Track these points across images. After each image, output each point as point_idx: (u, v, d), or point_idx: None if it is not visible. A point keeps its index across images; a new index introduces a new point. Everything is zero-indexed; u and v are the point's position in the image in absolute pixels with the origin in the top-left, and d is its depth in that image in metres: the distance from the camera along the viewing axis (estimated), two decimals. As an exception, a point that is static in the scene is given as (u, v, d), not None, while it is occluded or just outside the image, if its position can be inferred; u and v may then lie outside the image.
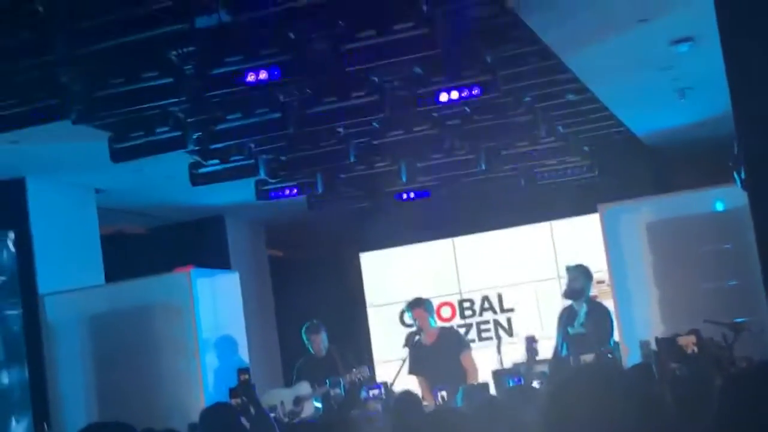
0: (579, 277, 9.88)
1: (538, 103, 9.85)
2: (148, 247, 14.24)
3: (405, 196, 12.56)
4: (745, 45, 2.28)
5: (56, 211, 11.43)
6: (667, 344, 6.01)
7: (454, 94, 9.09)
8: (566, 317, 9.96)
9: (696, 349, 5.92)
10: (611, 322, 9.85)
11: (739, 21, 2.41)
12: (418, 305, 10.26)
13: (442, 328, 10.75)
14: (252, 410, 7.43)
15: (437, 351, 9.98)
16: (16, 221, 10.96)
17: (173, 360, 11.01)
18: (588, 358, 8.17)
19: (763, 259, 2.08)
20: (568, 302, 10.14)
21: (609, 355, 9.08)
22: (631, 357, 9.17)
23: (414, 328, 10.36)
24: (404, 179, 11.25)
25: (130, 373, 10.96)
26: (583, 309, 9.73)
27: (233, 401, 7.20)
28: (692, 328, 6.21)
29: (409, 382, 9.75)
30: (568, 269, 10.04)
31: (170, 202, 13.16)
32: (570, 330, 9.66)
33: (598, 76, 9.44)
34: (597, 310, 9.87)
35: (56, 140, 9.41)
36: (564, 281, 10.33)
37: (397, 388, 9.19)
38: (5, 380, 10.59)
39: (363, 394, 8.22)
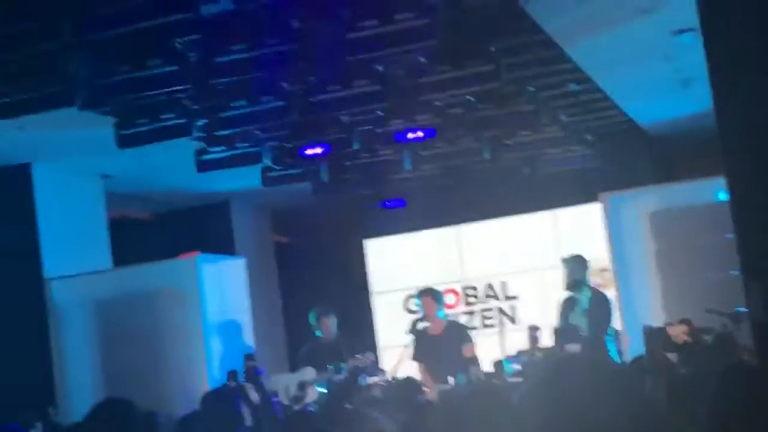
0: (576, 267, 9.94)
1: (541, 93, 9.87)
2: (154, 232, 14.30)
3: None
4: (730, 44, 2.33)
5: (63, 197, 11.50)
6: (657, 334, 6.03)
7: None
8: (567, 306, 9.98)
9: (688, 338, 5.93)
10: (610, 310, 9.90)
11: (723, 19, 2.46)
12: (428, 294, 10.27)
13: (450, 321, 10.73)
14: (255, 396, 7.49)
15: (442, 342, 9.96)
16: (22, 207, 11.03)
17: (178, 345, 11.07)
18: (574, 348, 8.12)
19: (742, 258, 2.15)
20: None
21: (600, 346, 9.09)
22: (632, 346, 9.21)
23: (419, 315, 10.39)
24: (408, 167, 11.30)
25: (136, 357, 11.01)
26: (586, 296, 9.75)
27: (231, 383, 7.26)
28: (683, 318, 6.22)
29: (411, 370, 9.79)
30: (565, 261, 10.08)
31: (176, 188, 13.22)
32: (571, 317, 9.68)
33: (600, 66, 9.46)
34: (598, 298, 9.92)
35: (62, 126, 9.46)
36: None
37: (399, 374, 9.24)
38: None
39: (361, 380, 8.27)
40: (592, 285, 10.22)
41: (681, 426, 2.57)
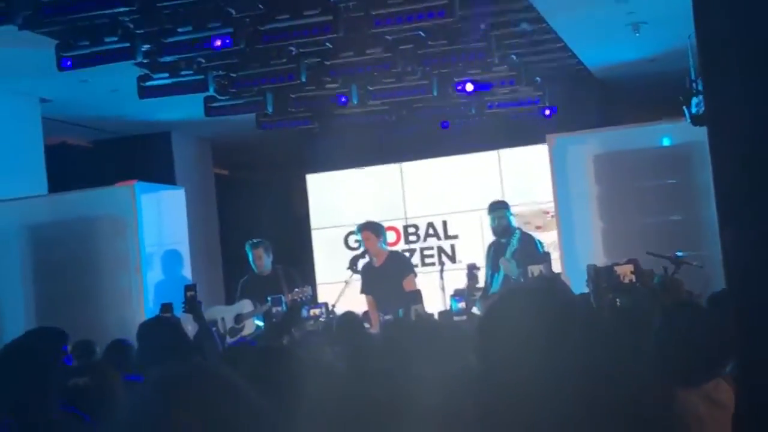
0: (503, 215, 9.85)
1: (493, 31, 9.78)
2: (93, 160, 14.07)
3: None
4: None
5: (-1, 119, 11.22)
6: (604, 273, 6.07)
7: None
8: (494, 250, 9.95)
9: (633, 278, 5.97)
10: (539, 250, 9.87)
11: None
12: (368, 228, 10.26)
13: (391, 252, 10.76)
14: (193, 326, 7.41)
15: (384, 273, 10.05)
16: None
17: (115, 274, 10.93)
18: (536, 269, 8.04)
19: (717, 192, 2.11)
20: None
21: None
22: (573, 287, 9.24)
23: (358, 251, 10.37)
24: (355, 101, 11.18)
25: (71, 285, 10.86)
26: (515, 237, 9.67)
27: (166, 315, 7.15)
28: (631, 258, 6.26)
29: (350, 304, 9.77)
30: (490, 209, 9.98)
31: (117, 115, 12.97)
32: (501, 260, 9.62)
33: (553, 7, 9.39)
34: (526, 241, 9.86)
35: (1, 46, 9.18)
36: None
37: (339, 309, 9.21)
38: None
39: (304, 312, 8.22)
40: (518, 227, 10.12)
41: (627, 359, 2.54)
